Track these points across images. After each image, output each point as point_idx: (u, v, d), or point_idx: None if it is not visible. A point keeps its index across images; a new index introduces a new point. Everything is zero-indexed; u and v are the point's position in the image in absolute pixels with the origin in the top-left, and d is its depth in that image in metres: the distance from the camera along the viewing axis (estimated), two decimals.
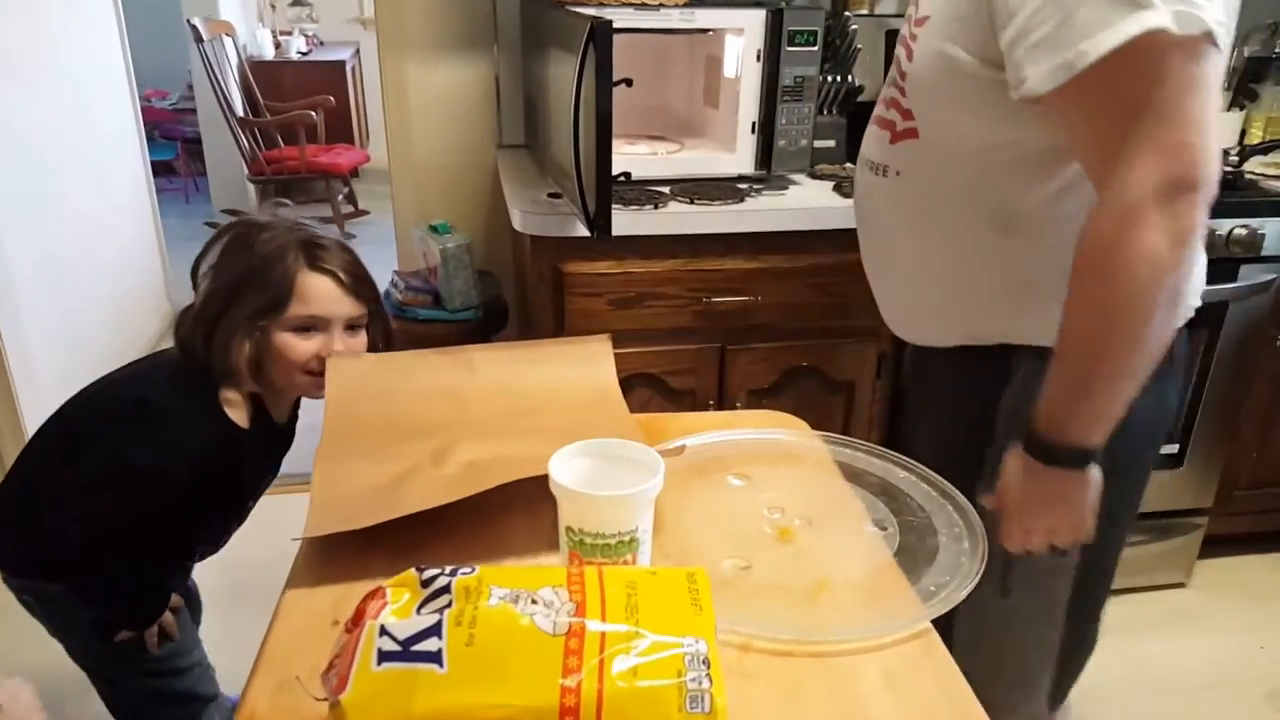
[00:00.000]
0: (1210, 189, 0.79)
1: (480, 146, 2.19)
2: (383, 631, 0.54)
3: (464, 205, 2.22)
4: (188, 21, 4.05)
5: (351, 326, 1.16)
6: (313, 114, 4.16)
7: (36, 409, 2.29)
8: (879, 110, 1.08)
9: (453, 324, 1.97)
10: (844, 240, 1.68)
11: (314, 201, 4.65)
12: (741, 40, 1.73)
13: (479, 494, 0.82)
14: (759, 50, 1.74)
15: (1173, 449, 1.98)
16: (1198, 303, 1.00)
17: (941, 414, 1.17)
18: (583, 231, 1.56)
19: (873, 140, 1.09)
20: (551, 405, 1.02)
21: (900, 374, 1.50)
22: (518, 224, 1.68)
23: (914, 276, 1.09)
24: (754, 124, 1.80)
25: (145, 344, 3.11)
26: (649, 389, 1.78)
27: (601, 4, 1.73)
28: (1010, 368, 1.02)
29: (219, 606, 1.60)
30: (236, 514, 1.30)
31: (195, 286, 1.16)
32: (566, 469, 0.72)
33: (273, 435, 1.24)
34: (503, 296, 2.11)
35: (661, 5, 1.76)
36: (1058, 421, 0.88)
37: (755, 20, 1.72)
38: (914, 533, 0.84)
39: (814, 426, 1.85)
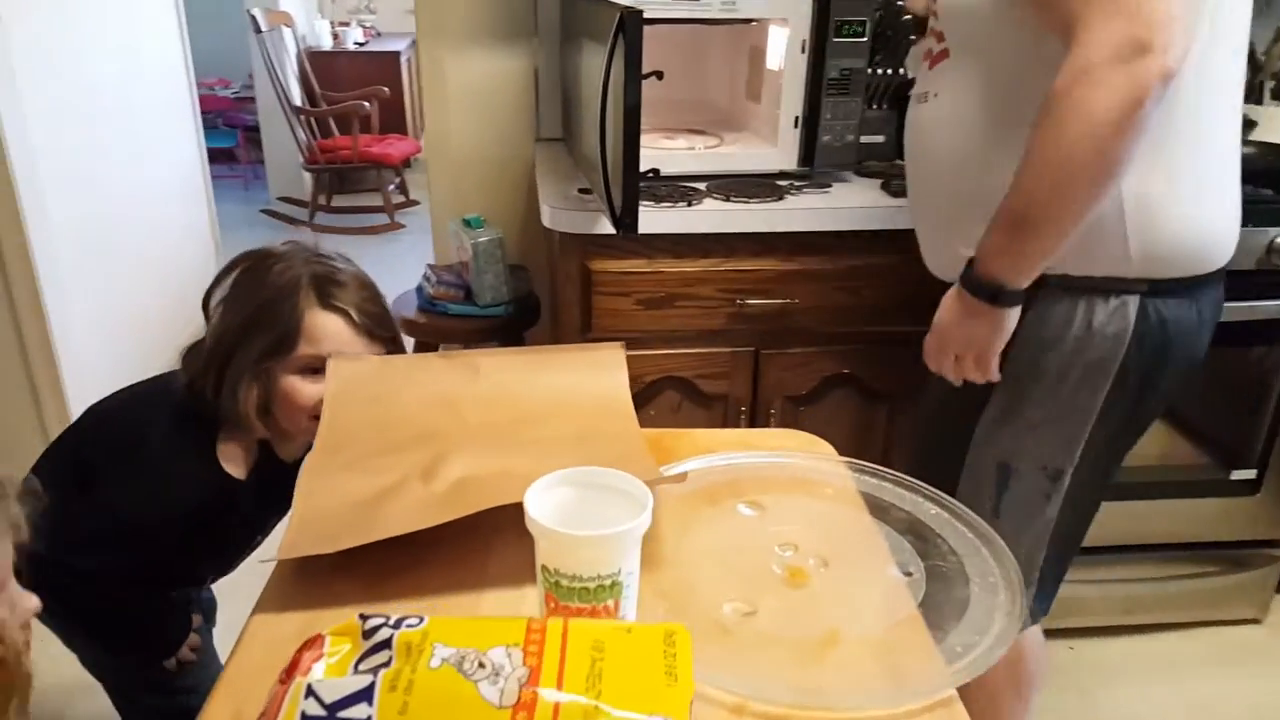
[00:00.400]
0: (1171, 57, 0.84)
1: (518, 139, 2.14)
2: (309, 692, 0.48)
3: (500, 199, 2.16)
4: (247, 12, 4.09)
5: None
6: (366, 104, 4.16)
7: (82, 395, 2.31)
8: (924, 42, 1.18)
9: (483, 319, 1.92)
10: (889, 242, 1.59)
11: (366, 191, 4.67)
12: (786, 31, 1.64)
13: (475, 513, 0.76)
14: (804, 41, 1.64)
15: (1249, 474, 1.83)
16: (1227, 255, 1.08)
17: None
18: (611, 229, 1.49)
19: (917, 65, 1.21)
20: (556, 415, 0.95)
21: None
22: (546, 220, 1.62)
23: (951, 200, 1.13)
24: (797, 118, 1.70)
25: (195, 330, 3.13)
26: (679, 392, 1.70)
27: None
28: (1031, 298, 1.05)
29: (225, 604, 1.58)
30: (246, 547, 1.24)
31: (207, 318, 1.10)
32: (545, 499, 0.65)
33: (281, 475, 1.15)
34: (535, 293, 2.05)
35: None
36: (985, 257, 1.01)
37: (801, 10, 1.62)
38: (942, 580, 0.75)
39: (854, 438, 1.79)
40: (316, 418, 1.02)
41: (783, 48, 1.66)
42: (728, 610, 0.73)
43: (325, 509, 0.80)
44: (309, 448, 1.14)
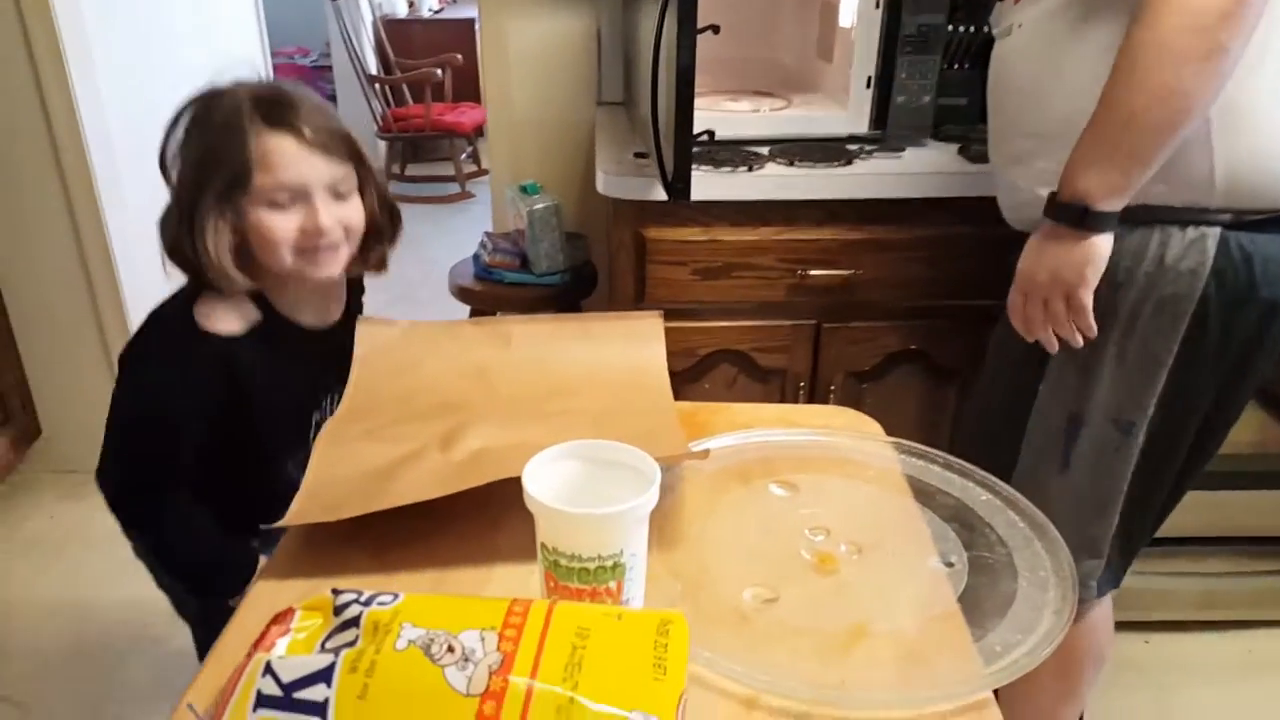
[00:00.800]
0: None
1: (580, 104, 2.09)
2: (268, 669, 0.45)
3: (560, 165, 2.12)
4: None
5: (338, 194, 1.01)
6: (438, 71, 4.16)
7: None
8: None
9: (538, 288, 1.89)
10: (965, 211, 1.49)
11: (438, 160, 4.70)
12: None
13: (489, 485, 0.73)
14: None
15: None
16: None
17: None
18: (665, 195, 1.43)
19: (998, 9, 1.15)
20: (587, 387, 0.91)
21: None
22: (601, 185, 1.57)
23: (1033, 137, 1.07)
24: (870, 78, 1.60)
25: None
26: (735, 366, 1.64)
27: None
28: (1119, 248, 0.98)
29: None
30: (298, 434, 1.11)
31: (167, 180, 1.03)
32: (546, 474, 0.61)
33: (308, 338, 1.10)
34: (592, 261, 2.01)
35: None
36: (1072, 173, 0.93)
37: None
38: (987, 573, 0.69)
39: (919, 417, 1.70)
40: (303, 251, 1.00)
41: (855, 2, 1.57)
42: (748, 596, 0.68)
43: (338, 476, 0.78)
44: (347, 311, 1.14)
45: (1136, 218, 0.96)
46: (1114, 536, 1.12)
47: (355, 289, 1.20)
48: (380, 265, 1.13)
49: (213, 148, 0.97)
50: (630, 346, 0.96)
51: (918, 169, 1.54)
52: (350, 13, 4.14)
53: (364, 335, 0.96)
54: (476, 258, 1.96)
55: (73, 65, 2.06)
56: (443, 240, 3.80)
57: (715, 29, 1.44)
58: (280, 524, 0.74)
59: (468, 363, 0.95)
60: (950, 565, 0.70)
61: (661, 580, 0.67)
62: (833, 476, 0.81)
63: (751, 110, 1.71)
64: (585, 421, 0.84)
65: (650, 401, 0.90)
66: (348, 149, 1.02)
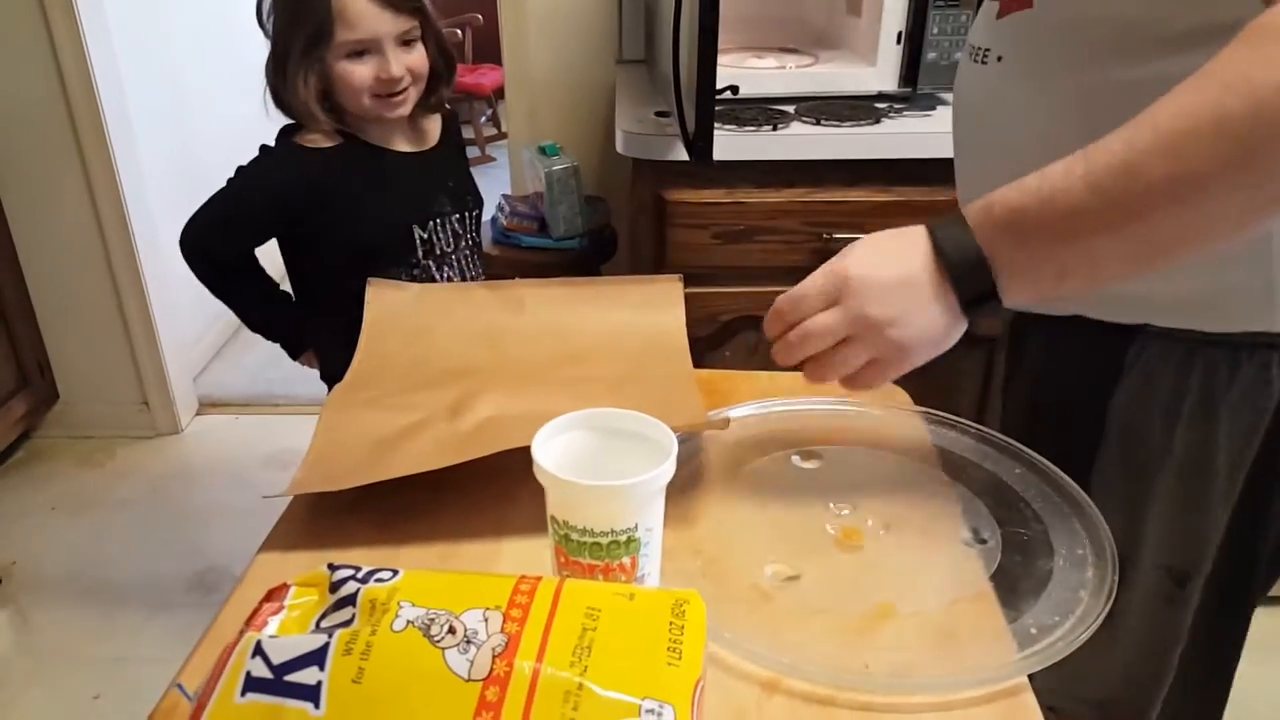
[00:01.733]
0: None
1: (600, 62, 2.03)
2: (257, 650, 0.43)
3: (579, 126, 2.08)
4: None
5: (406, 43, 1.19)
6: (458, 32, 4.10)
7: (175, 339, 2.38)
8: None
9: (557, 252, 1.85)
10: None
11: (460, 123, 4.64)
12: None
13: (500, 455, 0.70)
14: None
15: None
16: None
17: (1032, 399, 0.89)
18: (686, 155, 1.38)
19: (980, 21, 0.85)
20: (602, 353, 0.88)
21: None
22: (620, 145, 1.53)
23: None
24: (900, 33, 1.54)
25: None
26: (757, 333, 1.60)
27: None
28: (1127, 355, 0.76)
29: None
30: (404, 244, 1.27)
31: (265, 33, 1.21)
32: (557, 444, 0.58)
33: (403, 160, 1.27)
34: (612, 225, 1.97)
35: None
36: (1010, 232, 0.59)
37: None
38: (1021, 550, 0.65)
39: (946, 386, 1.64)
40: (378, 96, 1.18)
41: None
42: (768, 573, 0.64)
43: (343, 445, 0.76)
44: (447, 130, 1.35)
45: (1173, 338, 0.75)
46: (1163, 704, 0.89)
47: (450, 118, 1.37)
48: (439, 106, 1.32)
49: (300, 5, 1.14)
50: (648, 312, 0.93)
51: (949, 128, 1.48)
52: None
53: (374, 300, 0.94)
54: (494, 221, 1.93)
55: (89, 35, 2.03)
56: None
57: None
58: (281, 494, 0.72)
59: (479, 329, 0.91)
60: (983, 542, 0.66)
61: (680, 556, 0.64)
62: (858, 448, 0.78)
63: (777, 67, 1.66)
64: (600, 389, 0.80)
65: (668, 368, 0.87)
66: (414, 3, 1.18)
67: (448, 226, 1.31)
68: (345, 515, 0.72)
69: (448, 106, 1.36)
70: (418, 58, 1.20)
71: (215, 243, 1.27)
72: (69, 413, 2.36)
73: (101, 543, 2.01)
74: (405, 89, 1.20)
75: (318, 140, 1.21)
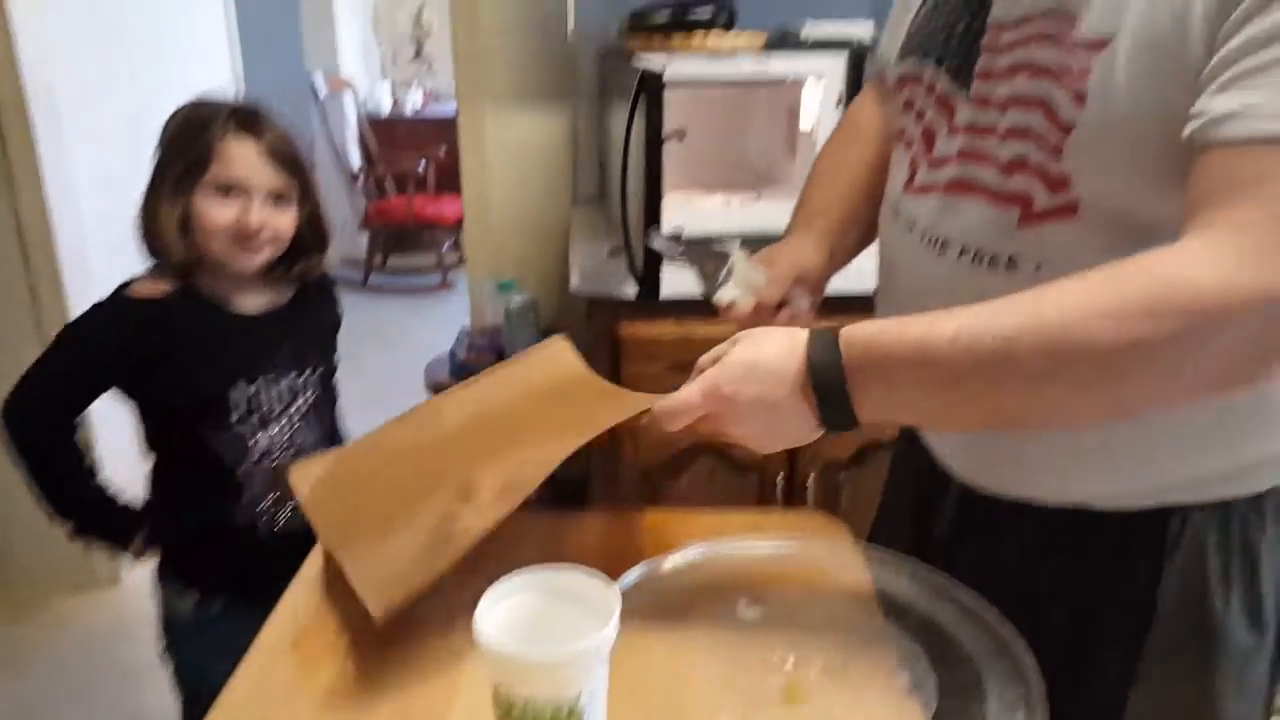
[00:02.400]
0: None
1: (556, 202, 2.13)
2: None
3: (537, 262, 2.15)
4: (309, 78, 4.23)
5: (278, 200, 1.18)
6: (420, 166, 4.25)
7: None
8: (983, 175, 0.75)
9: None
10: None
11: (422, 251, 4.75)
12: (820, 91, 1.60)
13: (450, 610, 0.71)
14: (840, 94, 1.60)
15: None
16: None
17: (1022, 609, 0.74)
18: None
19: (974, 219, 0.76)
20: (537, 409, 0.90)
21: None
22: (574, 283, 1.59)
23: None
24: None
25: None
26: (711, 461, 1.64)
27: (672, 52, 1.63)
28: (1166, 538, 0.75)
29: None
30: (217, 409, 1.20)
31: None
32: (499, 609, 0.59)
33: (233, 320, 1.22)
34: None
35: (736, 51, 1.65)
36: (864, 352, 0.66)
37: (835, 66, 1.58)
38: (957, 695, 0.67)
39: None
40: (235, 241, 1.16)
41: (816, 108, 1.62)
42: None
43: (386, 570, 0.76)
44: (304, 293, 1.29)
45: (1201, 511, 0.75)
46: None
47: (327, 287, 1.35)
48: (301, 277, 1.28)
49: (186, 136, 1.16)
50: (552, 367, 0.95)
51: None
52: (334, 112, 4.24)
53: (299, 479, 0.93)
54: (453, 354, 1.97)
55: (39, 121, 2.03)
56: (423, 330, 3.81)
57: (681, 135, 1.48)
58: (378, 618, 0.71)
59: (416, 447, 0.92)
60: (920, 688, 0.68)
61: (630, 717, 0.65)
62: (802, 592, 0.80)
63: (722, 204, 1.75)
64: (559, 428, 0.82)
65: (598, 392, 0.89)
66: (295, 168, 1.19)
67: (274, 389, 1.24)
68: (290, 693, 0.72)
69: (328, 275, 1.34)
70: (284, 219, 1.19)
71: (47, 405, 1.20)
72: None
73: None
74: (261, 244, 1.18)
75: (148, 290, 1.18)
